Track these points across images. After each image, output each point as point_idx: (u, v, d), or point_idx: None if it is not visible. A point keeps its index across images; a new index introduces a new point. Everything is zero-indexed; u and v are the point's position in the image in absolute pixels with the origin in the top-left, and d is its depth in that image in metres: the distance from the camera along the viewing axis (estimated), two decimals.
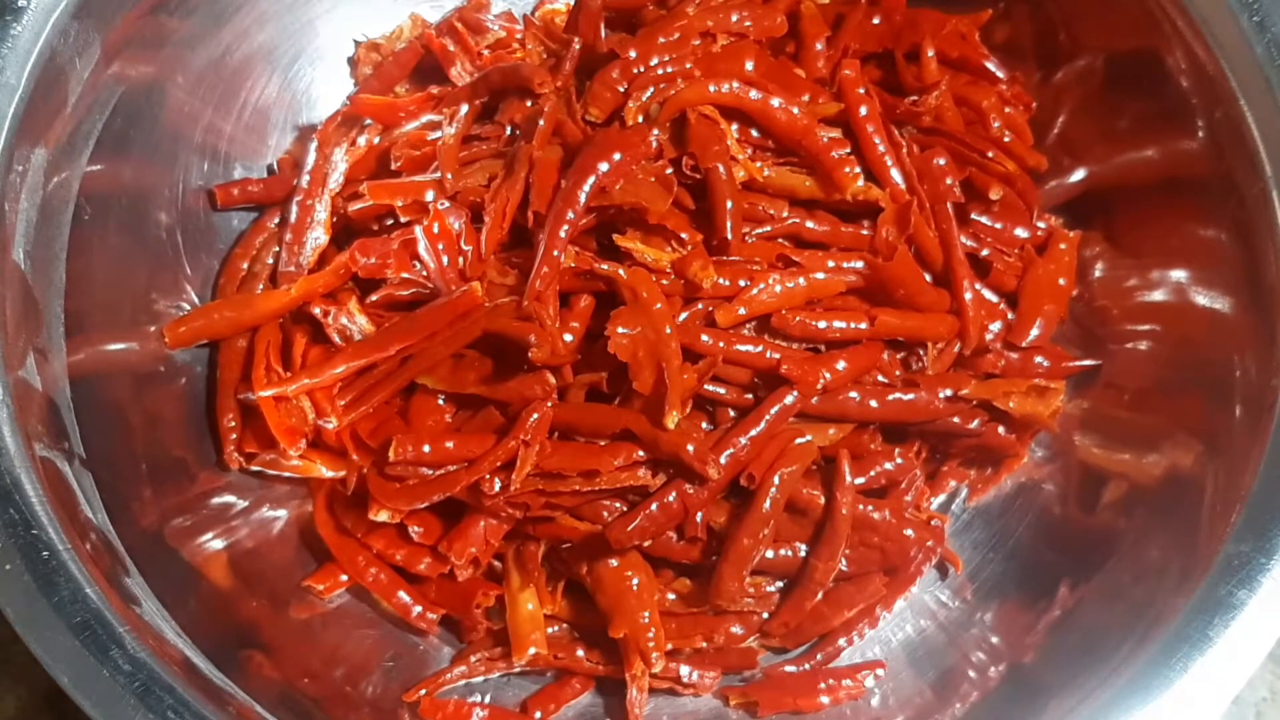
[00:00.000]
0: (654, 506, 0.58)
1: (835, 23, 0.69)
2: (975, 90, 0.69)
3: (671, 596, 0.63)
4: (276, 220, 0.68)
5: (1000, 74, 0.70)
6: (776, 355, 0.59)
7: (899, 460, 0.64)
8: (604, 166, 0.58)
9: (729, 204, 0.59)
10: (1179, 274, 0.63)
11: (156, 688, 0.48)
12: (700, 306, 0.60)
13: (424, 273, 0.61)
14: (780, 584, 0.64)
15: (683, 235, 0.59)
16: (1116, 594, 0.58)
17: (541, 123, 0.62)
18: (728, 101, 0.62)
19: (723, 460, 0.57)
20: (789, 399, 0.59)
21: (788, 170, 0.64)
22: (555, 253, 0.58)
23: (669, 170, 0.61)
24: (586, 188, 0.58)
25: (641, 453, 0.58)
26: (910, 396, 0.61)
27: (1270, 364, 0.55)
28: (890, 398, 0.61)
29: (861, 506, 0.61)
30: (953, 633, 0.65)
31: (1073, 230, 0.69)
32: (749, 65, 0.64)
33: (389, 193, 0.63)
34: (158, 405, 0.62)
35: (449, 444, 0.58)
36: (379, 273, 0.61)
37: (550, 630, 0.63)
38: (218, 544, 0.61)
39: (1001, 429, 0.66)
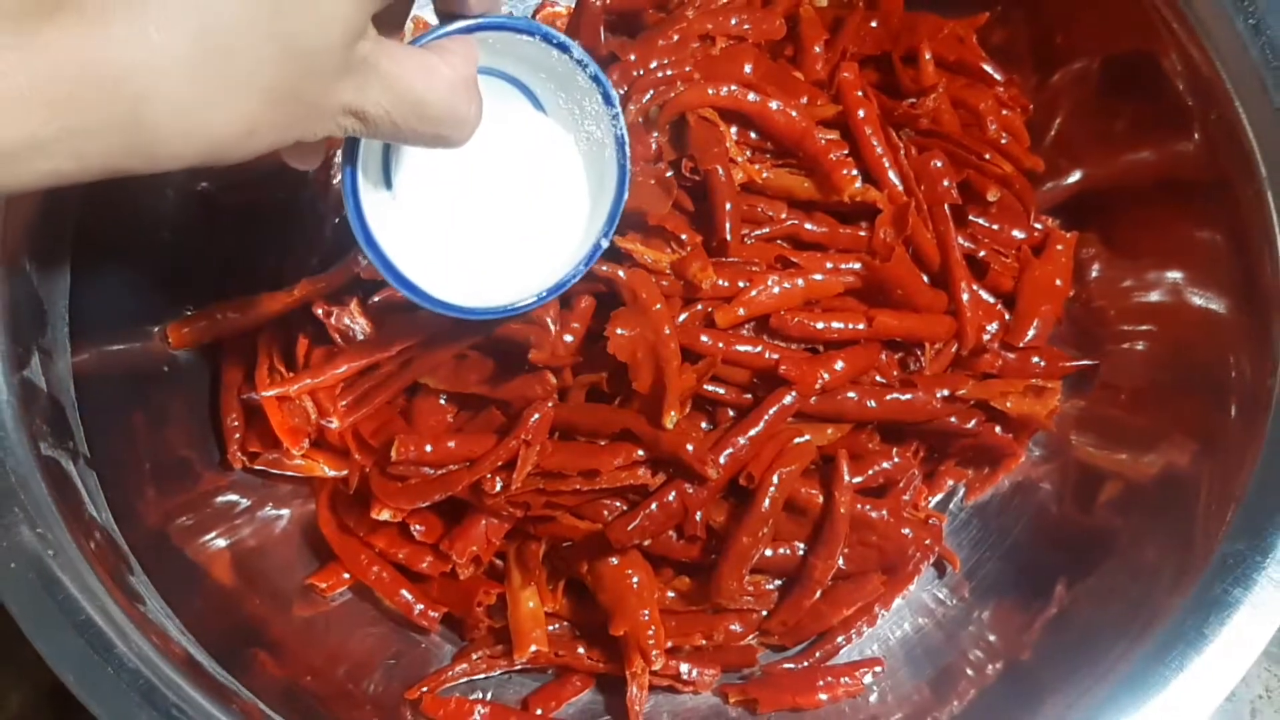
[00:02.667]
0: (654, 506, 0.58)
1: (833, 26, 0.69)
2: (972, 93, 0.69)
3: (671, 595, 0.63)
4: (279, 220, 0.68)
5: (997, 76, 0.70)
6: (775, 355, 0.60)
7: (897, 460, 0.64)
8: None
9: (728, 206, 0.60)
10: (1175, 275, 0.64)
11: (160, 685, 0.48)
12: (700, 307, 0.60)
13: None
14: (779, 582, 0.64)
15: (682, 237, 0.59)
16: (1113, 592, 0.59)
17: None
18: (727, 104, 0.62)
19: (722, 460, 0.58)
20: (788, 399, 0.59)
21: (786, 172, 0.64)
22: None
23: (669, 173, 0.62)
24: None
25: (641, 452, 0.58)
26: (908, 396, 0.62)
27: (1265, 364, 0.56)
28: (888, 398, 0.61)
29: (860, 506, 0.62)
30: (950, 631, 0.65)
31: (1069, 231, 0.69)
32: (748, 68, 0.64)
33: None
34: (162, 405, 0.62)
35: (451, 444, 0.59)
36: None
37: (551, 628, 0.63)
38: (221, 543, 0.61)
39: (999, 429, 0.67)
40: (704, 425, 0.61)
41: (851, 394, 0.61)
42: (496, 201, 0.54)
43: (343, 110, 0.40)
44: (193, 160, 0.37)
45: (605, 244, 0.55)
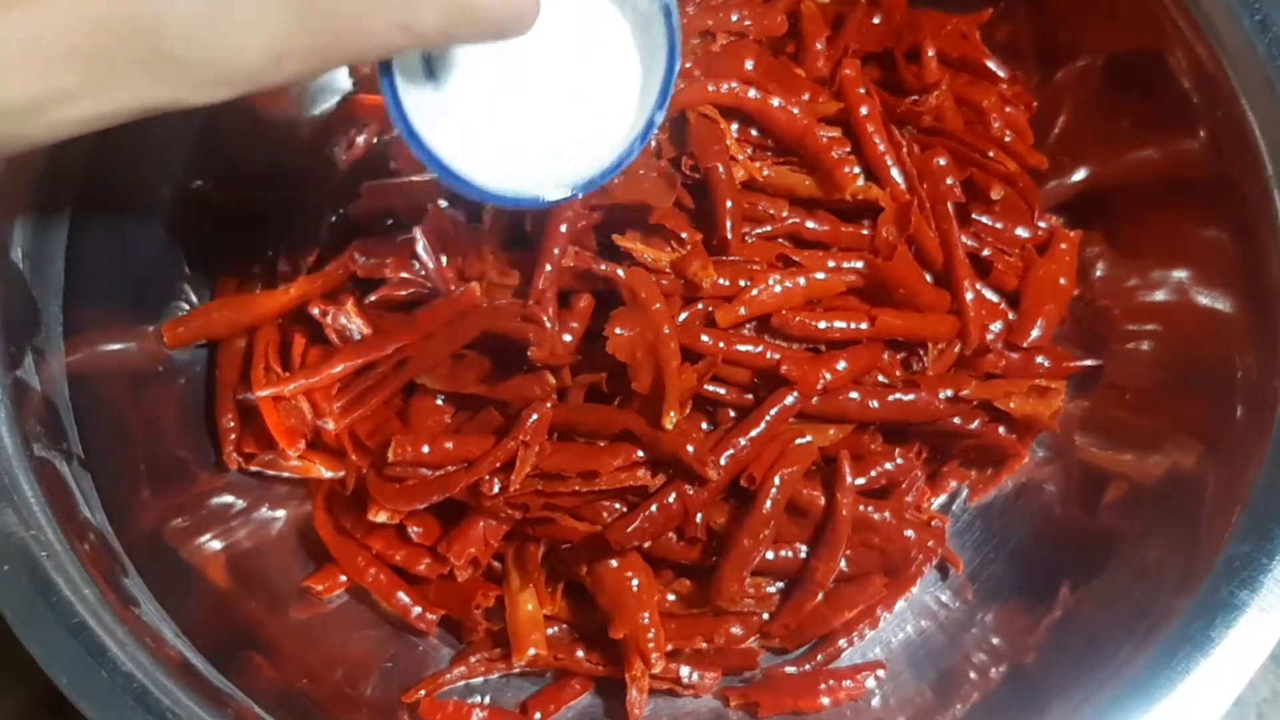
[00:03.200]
0: (654, 508, 0.57)
1: (835, 22, 0.69)
2: (976, 90, 0.69)
3: (671, 597, 0.63)
4: (276, 220, 0.68)
5: (1001, 73, 0.70)
6: (776, 355, 0.59)
7: (899, 461, 0.63)
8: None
9: (729, 204, 0.59)
10: (1180, 274, 0.63)
11: (155, 689, 0.48)
12: (700, 306, 0.59)
13: (422, 273, 0.61)
14: (780, 585, 0.63)
15: (682, 235, 0.59)
16: (1118, 595, 0.58)
17: None
18: (727, 101, 0.62)
19: (723, 461, 0.57)
20: (789, 399, 0.59)
21: (787, 170, 0.63)
22: (555, 250, 0.58)
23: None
24: None
25: (641, 453, 0.58)
26: (911, 397, 0.61)
27: (1272, 364, 0.55)
28: (891, 398, 0.61)
29: (862, 507, 0.61)
30: (953, 633, 0.64)
31: (1074, 230, 0.69)
32: (749, 65, 0.64)
33: (387, 193, 0.63)
34: (156, 405, 0.62)
35: (448, 445, 0.58)
36: (377, 273, 0.61)
37: (550, 631, 0.63)
38: (217, 544, 0.61)
39: (1002, 429, 0.66)
40: (704, 426, 0.61)
41: (854, 394, 0.60)
42: (544, 84, 0.52)
43: (392, 28, 0.38)
44: (227, 93, 0.38)
45: (660, 118, 0.52)
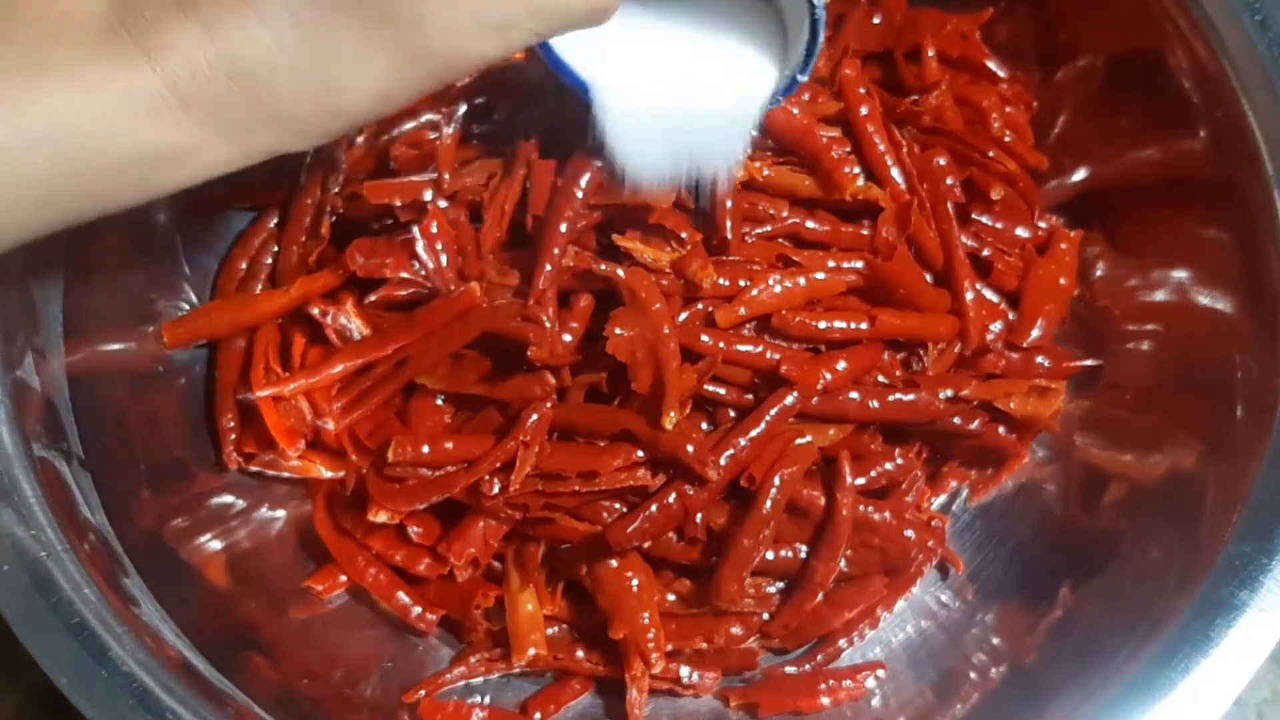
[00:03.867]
0: (654, 508, 0.57)
1: (835, 22, 0.69)
2: (976, 90, 0.69)
3: (671, 597, 0.63)
4: (276, 220, 0.68)
5: (1001, 73, 0.70)
6: (776, 355, 0.59)
7: (899, 461, 0.63)
8: (599, 162, 0.58)
9: (729, 204, 0.59)
10: (1180, 274, 0.63)
11: (155, 689, 0.48)
12: (700, 306, 0.59)
13: (422, 273, 0.61)
14: (781, 585, 0.63)
15: (682, 235, 0.59)
16: (1118, 595, 0.58)
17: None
18: None
19: (723, 461, 0.57)
20: (789, 399, 0.58)
21: (787, 170, 0.63)
22: (555, 250, 0.58)
23: None
24: (583, 184, 0.58)
25: (641, 454, 0.58)
26: (911, 397, 0.61)
27: (1272, 364, 0.55)
28: (891, 398, 0.61)
29: (862, 507, 0.61)
30: (954, 634, 0.64)
31: (1074, 230, 0.69)
32: None
33: (387, 193, 0.63)
34: (156, 405, 0.62)
35: (448, 445, 0.58)
36: (377, 273, 0.61)
37: (550, 631, 0.63)
38: (216, 544, 0.61)
39: (1002, 429, 0.66)
40: (704, 426, 0.61)
41: (854, 394, 0.60)
42: (685, 54, 0.54)
43: (486, 49, 0.40)
44: (337, 132, 0.40)
45: (804, 78, 0.54)
